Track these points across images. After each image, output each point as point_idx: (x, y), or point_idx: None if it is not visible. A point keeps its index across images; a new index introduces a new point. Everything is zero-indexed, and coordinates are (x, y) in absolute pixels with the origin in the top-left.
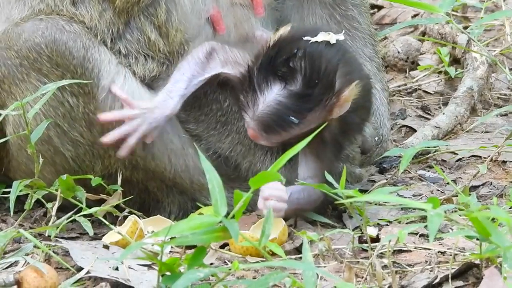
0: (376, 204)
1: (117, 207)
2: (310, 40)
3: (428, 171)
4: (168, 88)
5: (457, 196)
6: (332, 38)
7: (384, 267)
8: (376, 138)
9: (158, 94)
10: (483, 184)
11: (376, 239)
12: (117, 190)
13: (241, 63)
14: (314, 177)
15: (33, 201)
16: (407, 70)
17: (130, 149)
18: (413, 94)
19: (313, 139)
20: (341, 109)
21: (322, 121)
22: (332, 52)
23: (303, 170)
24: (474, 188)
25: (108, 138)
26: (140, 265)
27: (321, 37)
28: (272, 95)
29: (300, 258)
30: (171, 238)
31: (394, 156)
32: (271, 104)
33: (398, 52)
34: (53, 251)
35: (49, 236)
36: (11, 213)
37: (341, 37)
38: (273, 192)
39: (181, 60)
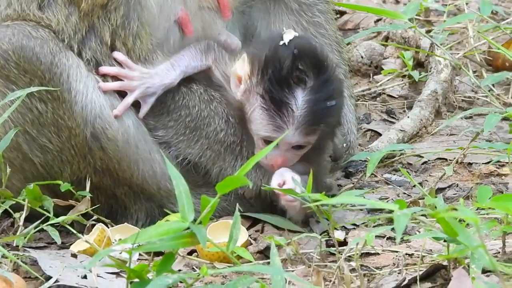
0: (343, 208)
1: (85, 214)
2: (288, 40)
3: (394, 174)
4: (171, 62)
5: (423, 198)
6: (292, 32)
7: (352, 270)
8: (344, 145)
9: (159, 66)
10: (449, 186)
11: (343, 243)
12: (85, 196)
13: (229, 67)
14: (303, 175)
15: (0, 211)
16: (371, 75)
17: (124, 109)
18: (378, 99)
19: None
20: None
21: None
22: (309, 40)
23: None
24: (440, 190)
25: (105, 86)
26: (109, 273)
27: (289, 35)
28: (300, 100)
29: (268, 263)
30: (139, 245)
31: (360, 160)
32: (306, 106)
33: (362, 57)
34: (21, 261)
35: (17, 245)
36: None
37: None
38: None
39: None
